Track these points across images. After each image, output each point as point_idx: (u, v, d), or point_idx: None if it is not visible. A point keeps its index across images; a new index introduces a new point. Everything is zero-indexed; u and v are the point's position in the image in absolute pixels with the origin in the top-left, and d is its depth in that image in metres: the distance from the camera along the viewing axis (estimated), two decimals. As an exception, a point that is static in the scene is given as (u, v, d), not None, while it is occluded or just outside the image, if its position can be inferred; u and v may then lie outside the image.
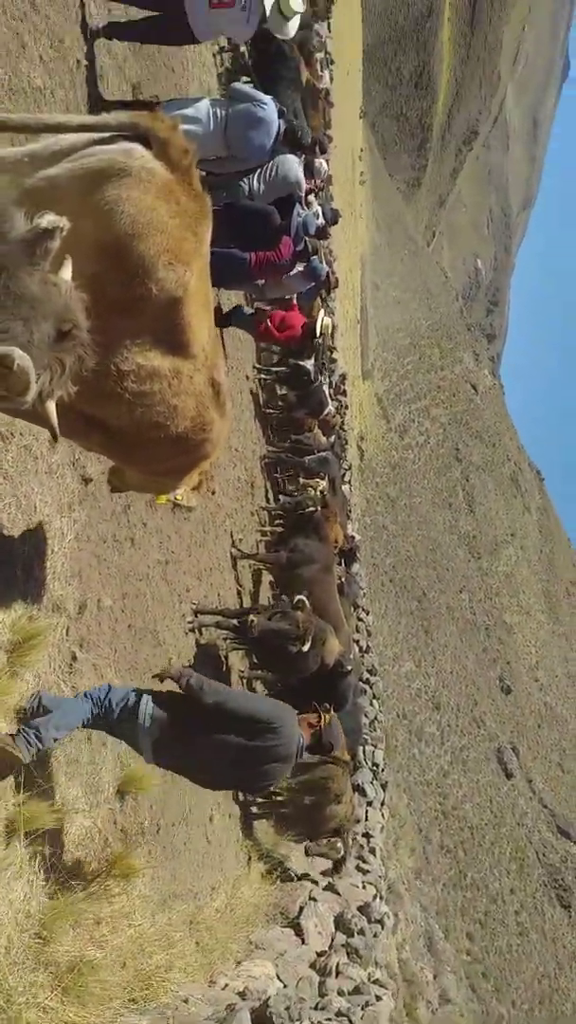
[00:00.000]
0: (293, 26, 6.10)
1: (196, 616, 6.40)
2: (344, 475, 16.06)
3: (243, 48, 8.17)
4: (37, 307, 1.80)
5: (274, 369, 11.54)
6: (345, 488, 15.42)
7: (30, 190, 2.35)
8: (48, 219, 1.78)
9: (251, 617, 6.32)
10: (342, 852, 7.97)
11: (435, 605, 32.99)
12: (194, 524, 7.11)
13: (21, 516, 3.80)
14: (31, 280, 1.78)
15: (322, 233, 8.45)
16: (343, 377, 18.66)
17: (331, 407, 11.40)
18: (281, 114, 5.97)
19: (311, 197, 7.97)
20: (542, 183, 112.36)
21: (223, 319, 7.81)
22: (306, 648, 6.56)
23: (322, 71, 15.89)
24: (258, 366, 11.52)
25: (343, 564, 11.18)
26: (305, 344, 9.55)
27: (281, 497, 10.28)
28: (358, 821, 10.88)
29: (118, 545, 5.04)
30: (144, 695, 3.77)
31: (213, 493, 7.88)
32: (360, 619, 16.35)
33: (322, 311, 10.30)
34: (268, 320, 8.48)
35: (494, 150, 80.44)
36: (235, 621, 6.37)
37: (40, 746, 3.26)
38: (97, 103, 5.40)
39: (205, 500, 7.32)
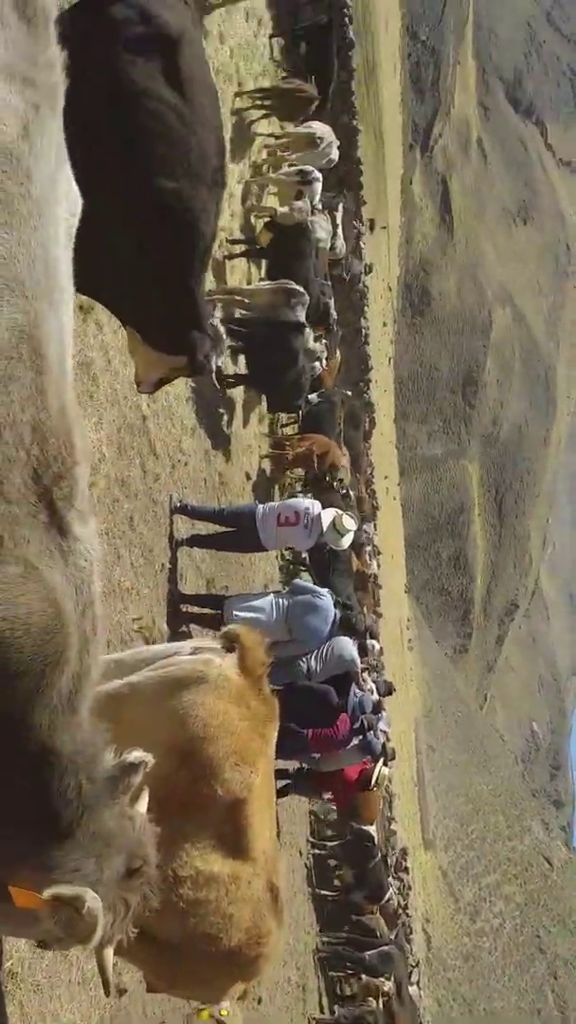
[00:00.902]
0: (347, 540, 7.12)
1: None
2: (411, 973, 13.90)
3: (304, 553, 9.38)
4: (111, 843, 1.79)
5: (329, 844, 10.90)
6: (413, 989, 13.22)
7: (113, 695, 2.52)
8: (135, 755, 1.85)
9: None
10: None
11: None
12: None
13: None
14: (109, 815, 1.79)
15: (377, 707, 8.67)
16: (404, 852, 17.35)
17: (392, 890, 10.38)
18: (336, 603, 6.62)
19: (365, 674, 8.38)
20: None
21: (281, 790, 7.64)
22: None
23: (370, 560, 17.88)
24: (312, 840, 10.92)
25: None
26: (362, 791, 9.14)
27: (337, 1008, 8.77)
28: None
29: None
30: None
31: (259, 1002, 6.82)
32: None
33: (381, 760, 10.09)
34: (325, 785, 8.30)
35: (535, 620, 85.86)
36: None
37: None
38: (176, 597, 6.09)
39: (250, 1010, 6.30)
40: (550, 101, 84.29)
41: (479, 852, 37.96)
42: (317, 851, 10.82)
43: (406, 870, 17.07)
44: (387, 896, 10.14)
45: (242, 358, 8.20)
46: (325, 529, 6.60)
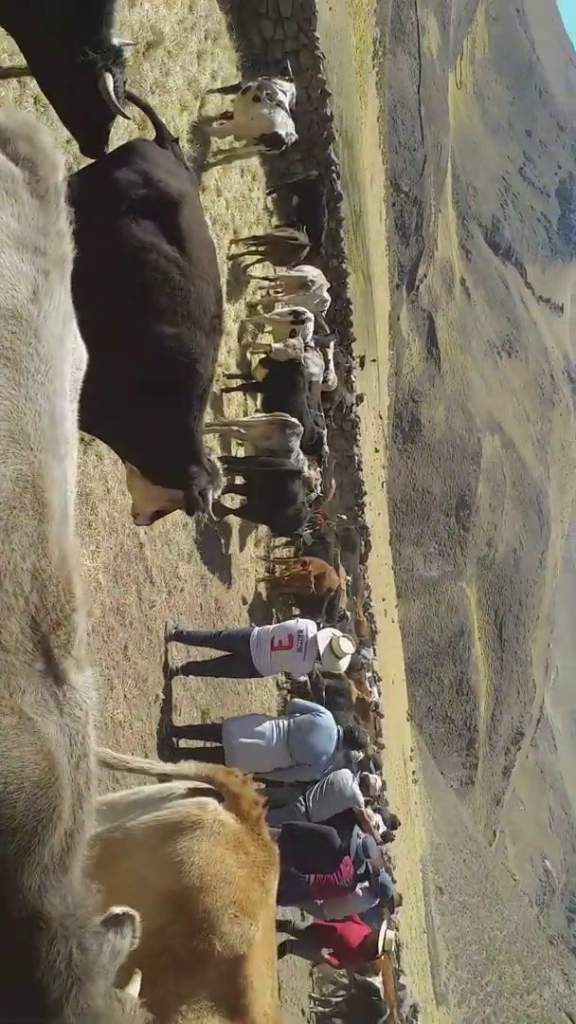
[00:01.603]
0: (345, 663, 7.01)
1: None
2: None
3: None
4: None
5: (334, 999, 10.14)
6: None
7: (105, 840, 2.39)
8: (120, 908, 1.75)
9: None
10: None
11: None
12: None
13: None
14: (97, 991, 1.66)
15: (386, 836, 8.26)
16: (414, 1009, 16.05)
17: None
18: (338, 720, 6.42)
19: (370, 810, 8.01)
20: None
21: (279, 949, 7.14)
22: None
23: (371, 687, 17.48)
24: (314, 996, 10.16)
25: None
26: (367, 960, 8.50)
27: None
28: None
29: None
30: None
31: None
32: None
33: (384, 923, 9.49)
34: (326, 954, 7.72)
35: (542, 749, 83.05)
36: None
37: None
38: (169, 730, 5.91)
39: None
40: (527, 245, 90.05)
41: (496, 1007, 35.09)
42: (321, 1008, 10.02)
43: (417, 1029, 15.73)
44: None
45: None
46: (322, 652, 6.49)
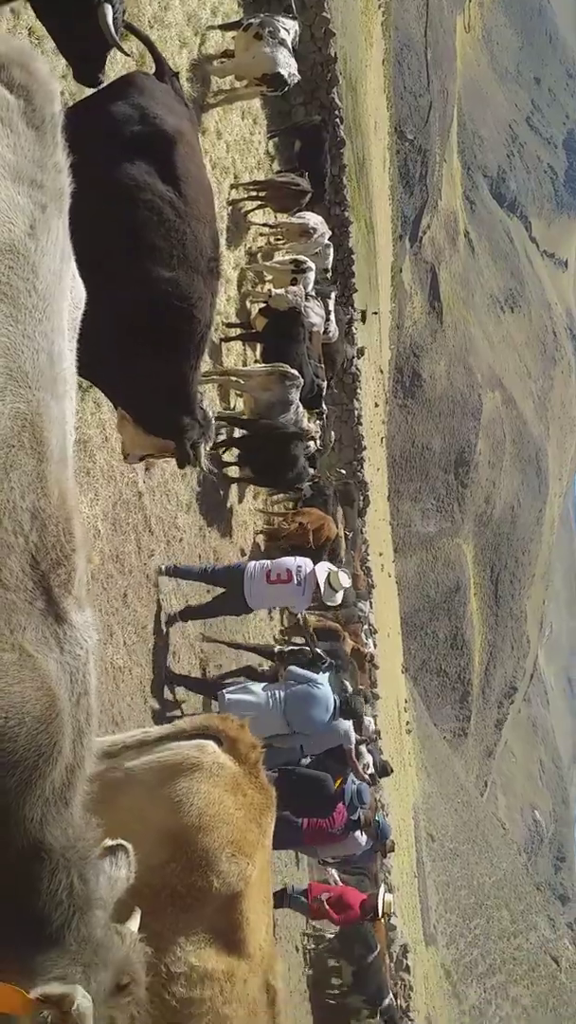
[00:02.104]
0: (340, 596, 7.08)
1: None
2: None
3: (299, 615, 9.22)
4: (100, 953, 1.69)
5: (327, 935, 10.46)
6: None
7: (107, 778, 2.44)
8: (115, 840, 1.78)
9: None
10: None
11: None
12: None
13: None
14: (96, 921, 1.70)
15: (373, 779, 8.40)
16: (404, 949, 16.58)
17: (391, 997, 9.84)
18: (334, 689, 6.47)
19: (362, 748, 8.12)
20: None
21: (275, 900, 7.33)
22: None
23: (367, 639, 17.66)
24: (307, 932, 10.47)
25: None
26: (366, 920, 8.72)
27: None
28: None
29: None
30: None
31: None
32: None
33: (383, 886, 9.73)
34: (323, 900, 7.89)
35: (535, 704, 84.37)
36: None
37: None
38: (167, 678, 5.98)
39: None
40: (533, 198, 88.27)
41: (483, 950, 36.22)
42: (314, 945, 10.33)
43: (407, 969, 16.26)
44: (387, 1001, 9.60)
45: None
46: (321, 584, 6.53)
